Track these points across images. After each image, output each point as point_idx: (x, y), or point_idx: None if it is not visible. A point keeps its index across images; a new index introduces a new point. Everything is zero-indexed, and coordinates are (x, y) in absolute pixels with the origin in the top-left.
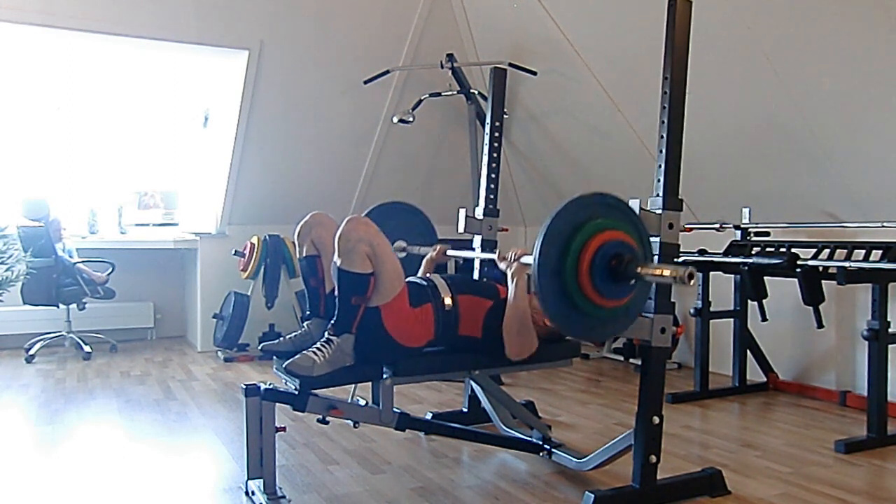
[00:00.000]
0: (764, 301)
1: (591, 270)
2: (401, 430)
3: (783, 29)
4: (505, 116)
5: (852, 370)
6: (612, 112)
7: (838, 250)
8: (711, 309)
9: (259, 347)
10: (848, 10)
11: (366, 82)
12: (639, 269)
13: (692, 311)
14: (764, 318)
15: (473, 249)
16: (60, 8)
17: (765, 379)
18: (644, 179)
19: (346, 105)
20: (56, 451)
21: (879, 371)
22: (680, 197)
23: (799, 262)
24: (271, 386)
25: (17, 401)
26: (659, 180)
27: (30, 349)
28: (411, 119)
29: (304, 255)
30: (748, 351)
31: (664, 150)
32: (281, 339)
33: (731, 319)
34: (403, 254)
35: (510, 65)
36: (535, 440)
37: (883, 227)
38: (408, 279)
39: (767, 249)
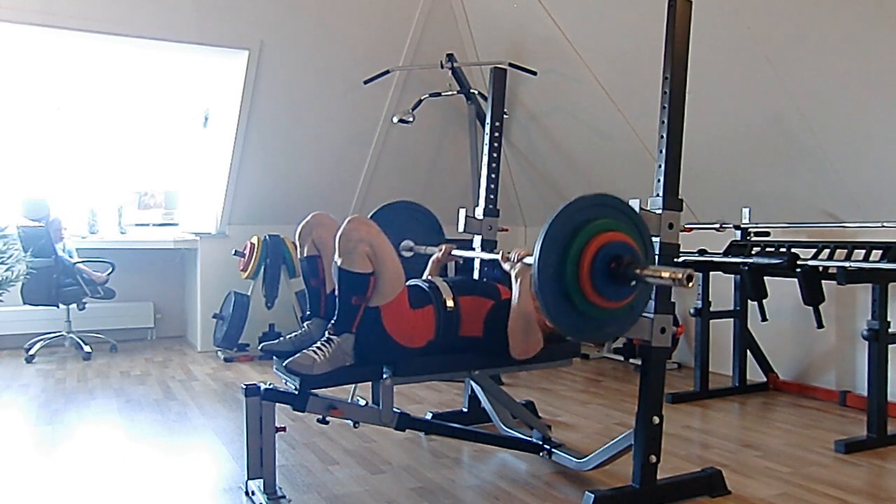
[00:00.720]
0: (764, 301)
1: (592, 273)
2: (401, 430)
3: (783, 29)
4: (505, 116)
5: (852, 370)
6: (612, 112)
7: (838, 250)
8: (711, 309)
9: (259, 347)
10: (848, 10)
11: (366, 82)
12: (638, 271)
13: (692, 311)
14: (764, 318)
15: (474, 250)
16: (60, 8)
17: (765, 379)
18: (644, 179)
19: (346, 105)
20: (56, 451)
21: (879, 371)
22: (680, 197)
23: (799, 262)
24: (271, 386)
25: (17, 401)
26: (659, 180)
27: (30, 349)
28: (411, 119)
29: (304, 255)
30: (748, 351)
31: (664, 150)
32: (281, 339)
33: (731, 319)
34: (410, 253)
35: (510, 65)
36: (535, 440)
37: (883, 227)
38: (410, 282)
39: (767, 249)
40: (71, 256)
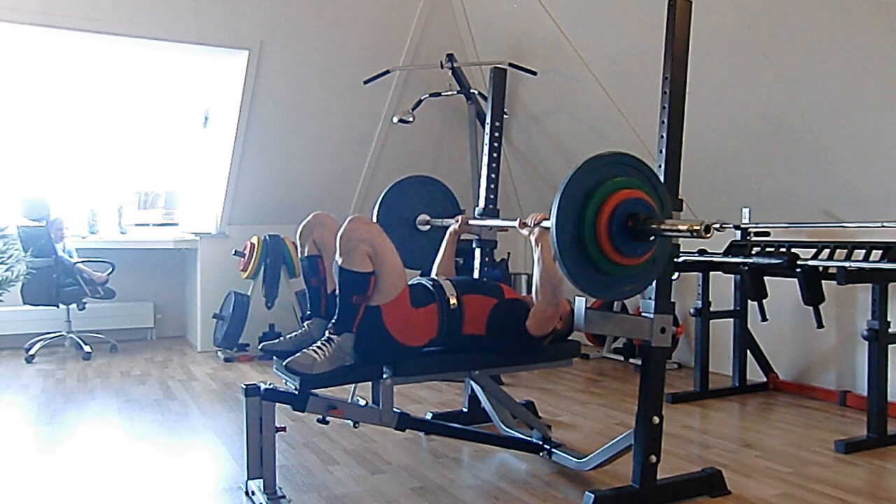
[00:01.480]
0: (764, 301)
1: (610, 231)
2: (401, 430)
3: (783, 29)
4: (505, 116)
5: (852, 370)
6: (612, 112)
7: (838, 250)
8: (711, 309)
9: (259, 347)
10: (848, 10)
11: (366, 82)
12: (655, 226)
13: (692, 311)
14: (764, 318)
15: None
16: (60, 8)
17: (765, 379)
18: None
19: (346, 105)
20: (56, 451)
21: (879, 371)
22: (680, 197)
23: (799, 262)
24: (271, 386)
25: (17, 401)
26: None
27: (30, 349)
28: (411, 119)
29: (305, 254)
30: (748, 351)
31: (664, 150)
32: (281, 338)
33: (731, 319)
34: (427, 227)
35: (510, 65)
36: (535, 440)
37: (883, 227)
38: (415, 281)
39: (767, 249)
40: (71, 256)
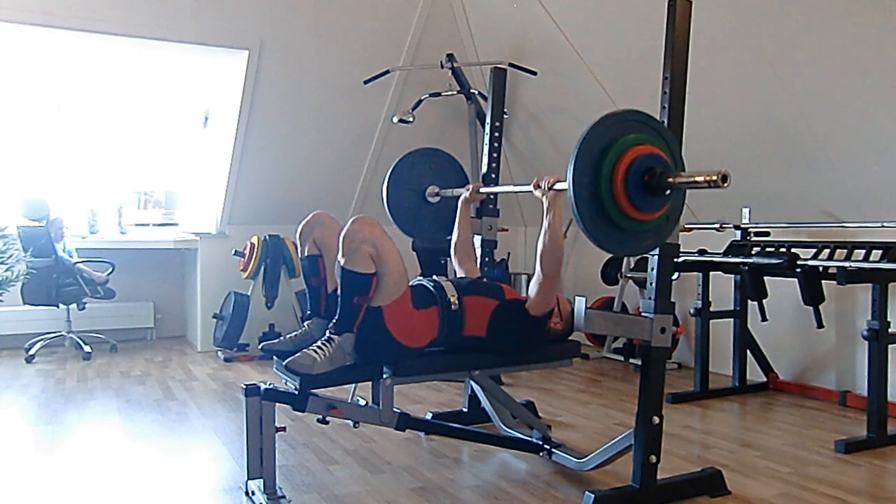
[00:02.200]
0: (764, 301)
1: (626, 187)
2: (401, 430)
3: (784, 30)
4: (505, 116)
5: (852, 370)
6: None
7: (838, 250)
8: (711, 309)
9: (259, 347)
10: (848, 11)
11: (366, 82)
12: (671, 179)
13: (692, 311)
14: (764, 318)
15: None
16: (60, 8)
17: (765, 379)
18: None
19: (346, 105)
20: (56, 451)
21: (879, 371)
22: None
23: (799, 262)
24: (271, 386)
25: (17, 401)
26: None
27: (30, 349)
28: (411, 119)
29: (305, 254)
30: (748, 351)
31: None
32: (281, 338)
33: (731, 319)
34: (437, 198)
35: (510, 65)
36: (535, 440)
37: (883, 227)
38: (415, 282)
39: (767, 249)
40: (71, 256)
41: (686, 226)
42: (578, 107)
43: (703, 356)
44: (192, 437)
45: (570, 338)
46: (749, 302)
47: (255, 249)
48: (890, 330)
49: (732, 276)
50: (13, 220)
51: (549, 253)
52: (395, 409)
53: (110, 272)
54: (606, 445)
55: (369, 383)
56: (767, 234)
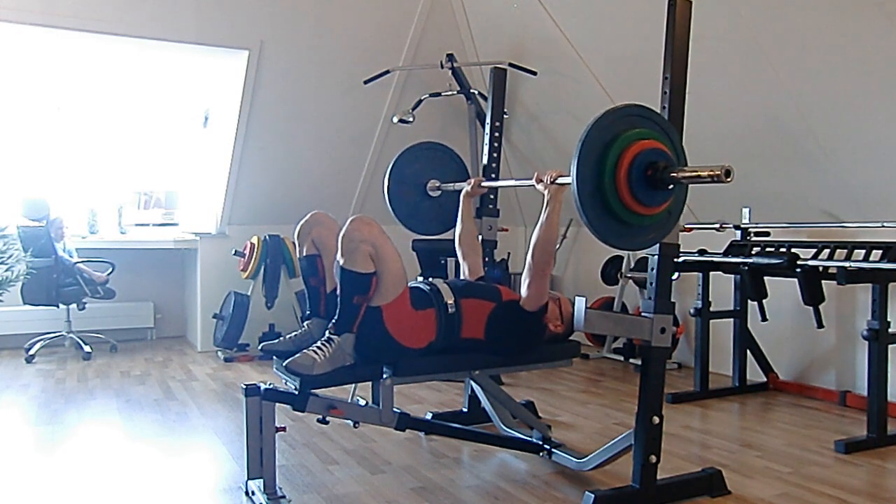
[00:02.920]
0: (764, 301)
1: (629, 181)
2: (401, 430)
3: (783, 29)
4: (505, 116)
5: (852, 370)
6: None
7: (838, 250)
8: (711, 309)
9: (259, 347)
10: (848, 11)
11: (366, 82)
12: (675, 174)
13: (692, 311)
14: (764, 318)
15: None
16: (60, 8)
17: (765, 379)
18: None
19: (346, 105)
20: (56, 451)
21: (879, 371)
22: None
23: (799, 262)
24: (271, 386)
25: (17, 401)
26: None
27: (30, 349)
28: (411, 119)
29: (304, 254)
30: (748, 351)
31: None
32: (281, 338)
33: (731, 319)
34: (438, 192)
35: (510, 65)
36: (535, 440)
37: (883, 227)
38: (411, 284)
39: (767, 249)
40: (71, 256)
41: (686, 226)
42: (578, 107)
43: (703, 356)
44: (192, 437)
45: (570, 338)
46: (749, 302)
47: (255, 249)
48: (890, 330)
49: (732, 276)
50: (13, 220)
51: (541, 244)
52: (395, 409)
53: (110, 272)
54: (606, 445)
55: (369, 383)
56: (767, 234)
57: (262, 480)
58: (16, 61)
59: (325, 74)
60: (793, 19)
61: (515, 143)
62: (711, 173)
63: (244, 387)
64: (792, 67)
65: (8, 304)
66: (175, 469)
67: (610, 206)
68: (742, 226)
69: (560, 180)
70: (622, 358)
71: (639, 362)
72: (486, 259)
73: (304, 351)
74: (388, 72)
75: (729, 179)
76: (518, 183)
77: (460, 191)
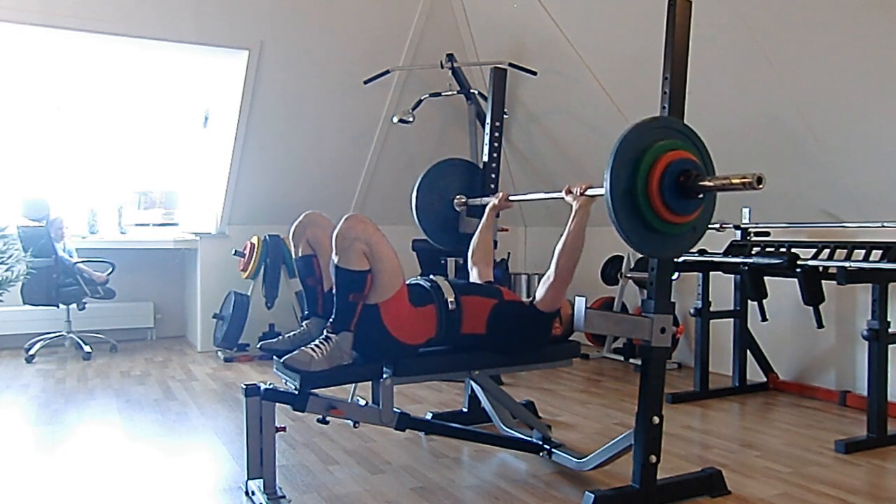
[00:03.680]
0: (764, 301)
1: (661, 188)
2: (401, 430)
3: (783, 29)
4: (505, 116)
5: (852, 370)
6: (612, 112)
7: (838, 250)
8: (711, 309)
9: (258, 346)
10: (848, 11)
11: (366, 82)
12: (705, 183)
13: (692, 311)
14: (764, 318)
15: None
16: (60, 8)
17: (765, 379)
18: None
19: (346, 105)
20: (56, 451)
21: (879, 371)
22: None
23: (799, 262)
24: (271, 386)
25: (17, 401)
26: None
27: (30, 349)
28: (411, 119)
29: (299, 254)
30: (748, 351)
31: None
32: (280, 337)
33: (731, 319)
34: (464, 207)
35: (510, 65)
36: (535, 440)
37: (883, 227)
38: (411, 281)
39: (767, 249)
40: (71, 256)
41: None
42: (578, 107)
43: (703, 356)
44: (192, 437)
45: (569, 338)
46: (749, 302)
47: (255, 249)
48: (890, 330)
49: (732, 276)
50: (13, 220)
51: (567, 253)
52: (395, 409)
53: (110, 272)
54: (606, 445)
55: (369, 383)
56: (767, 234)
57: (262, 480)
58: (16, 61)
59: (325, 74)
60: (793, 19)
61: (515, 143)
62: (743, 181)
63: (244, 387)
64: (792, 67)
65: (8, 304)
66: (175, 469)
67: (641, 212)
68: (742, 226)
69: (589, 192)
70: (622, 358)
71: (639, 362)
72: None
73: (302, 348)
74: (388, 72)
75: (761, 186)
76: (545, 196)
77: (485, 206)
